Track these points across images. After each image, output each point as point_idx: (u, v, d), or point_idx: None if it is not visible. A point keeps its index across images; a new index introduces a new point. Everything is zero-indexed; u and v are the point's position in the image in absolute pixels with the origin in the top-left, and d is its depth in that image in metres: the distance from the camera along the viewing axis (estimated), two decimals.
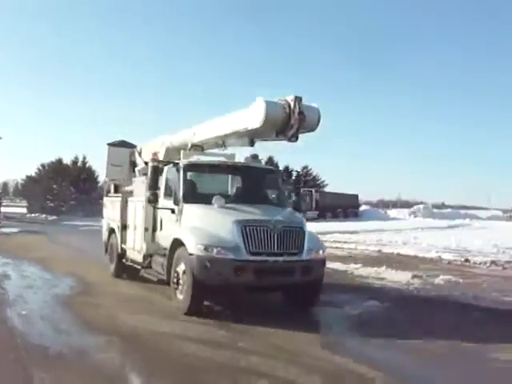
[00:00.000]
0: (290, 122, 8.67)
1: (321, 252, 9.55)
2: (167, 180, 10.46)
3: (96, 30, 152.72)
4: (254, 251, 8.72)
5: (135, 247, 11.54)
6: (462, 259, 18.71)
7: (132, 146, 14.46)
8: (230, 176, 11.17)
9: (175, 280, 9.30)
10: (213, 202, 9.46)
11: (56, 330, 7.80)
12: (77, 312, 8.96)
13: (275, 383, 5.78)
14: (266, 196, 10.64)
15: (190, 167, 10.15)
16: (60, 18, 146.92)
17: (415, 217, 63.58)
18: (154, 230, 11.00)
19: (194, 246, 8.80)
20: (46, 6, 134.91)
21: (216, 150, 11.25)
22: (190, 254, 8.81)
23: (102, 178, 59.13)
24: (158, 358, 6.45)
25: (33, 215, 51.18)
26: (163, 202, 10.31)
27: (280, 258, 8.87)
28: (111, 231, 13.40)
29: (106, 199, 14.39)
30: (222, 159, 11.06)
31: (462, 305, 10.59)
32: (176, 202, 9.86)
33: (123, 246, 12.48)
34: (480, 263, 17.80)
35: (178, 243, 9.35)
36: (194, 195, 9.94)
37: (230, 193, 10.86)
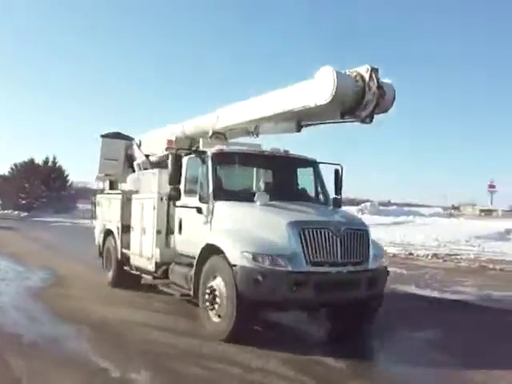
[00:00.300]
0: (364, 99, 6.07)
1: (383, 259, 7.00)
2: (188, 173, 7.63)
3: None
4: (314, 261, 6.10)
5: (143, 253, 8.62)
6: (407, 253, 18.40)
7: (128, 139, 11.45)
8: (255, 169, 8.40)
9: (208, 297, 6.53)
10: (255, 198, 6.74)
11: (29, 319, 7.31)
12: (49, 303, 8.33)
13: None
14: (306, 192, 7.94)
15: (221, 157, 7.32)
16: (17, 15, 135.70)
17: (363, 214, 61.85)
18: (169, 232, 8.16)
19: (237, 255, 6.07)
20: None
21: (240, 140, 8.52)
22: (233, 265, 6.09)
23: (71, 177, 55.76)
24: (126, 345, 6.11)
25: (6, 212, 47.09)
26: (183, 199, 7.48)
27: (344, 269, 6.28)
28: (107, 233, 10.36)
29: (99, 197, 11.26)
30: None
31: (405, 294, 10.33)
32: (204, 200, 7.08)
33: (125, 250, 9.50)
34: (423, 256, 17.64)
35: (210, 250, 6.60)
36: (226, 191, 7.18)
37: (254, 188, 8.11)
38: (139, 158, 10.66)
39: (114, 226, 9.91)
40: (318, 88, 6.09)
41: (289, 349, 6.04)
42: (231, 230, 6.53)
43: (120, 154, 11.19)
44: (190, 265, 7.17)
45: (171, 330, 6.83)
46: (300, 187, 7.97)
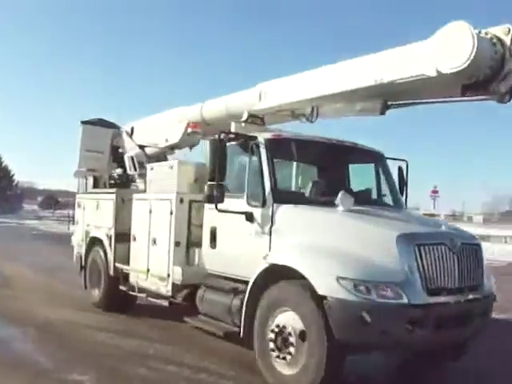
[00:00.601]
0: (503, 69, 4.19)
1: (493, 280, 5.18)
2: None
3: None
4: (432, 288, 4.17)
5: (153, 271, 6.31)
6: None
7: (113, 126, 9.04)
8: (294, 164, 6.29)
9: (273, 340, 4.45)
10: (337, 201, 4.69)
11: None
12: None
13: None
14: (370, 193, 5.92)
15: (278, 145, 5.18)
16: None
17: None
18: (190, 245, 5.98)
19: (330, 282, 4.04)
20: None
21: (277, 126, 6.44)
22: (323, 297, 4.04)
23: (17, 177, 51.30)
24: (73, 347, 5.73)
25: None
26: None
27: (461, 297, 4.38)
28: (93, 242, 7.92)
29: (80, 197, 8.75)
30: None
31: None
32: (255, 203, 4.99)
33: (120, 265, 7.14)
34: None
35: (275, 273, 4.52)
36: (286, 191, 5.14)
37: (294, 188, 6.05)
38: (131, 150, 8.34)
39: (104, 233, 7.54)
40: (447, 50, 4.12)
41: None
42: (311, 246, 4.43)
43: (105, 144, 8.81)
44: (234, 291, 5.06)
45: (117, 331, 6.40)
46: (364, 187, 5.97)
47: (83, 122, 8.79)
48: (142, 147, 8.25)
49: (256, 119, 6.05)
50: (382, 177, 5.88)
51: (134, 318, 7.06)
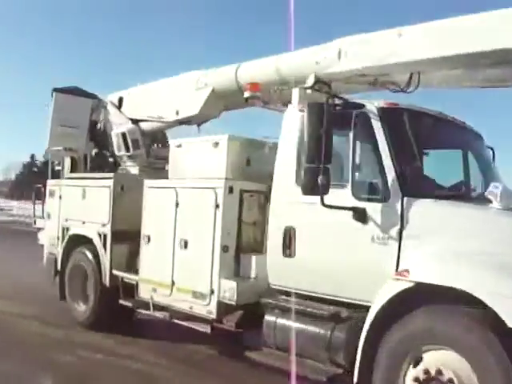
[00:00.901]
0: None
1: None
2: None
3: None
4: None
5: (182, 284, 4.54)
6: None
7: (91, 96, 7.05)
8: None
9: None
10: (491, 196, 3.32)
11: None
12: None
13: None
14: (468, 185, 4.58)
15: (397, 118, 3.74)
16: None
17: None
18: (242, 250, 4.38)
19: None
20: None
21: None
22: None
23: None
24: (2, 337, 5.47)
25: None
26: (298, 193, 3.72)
27: None
28: (75, 241, 6.01)
29: (54, 183, 6.62)
30: None
31: None
32: (370, 196, 3.55)
33: (120, 273, 5.36)
34: None
35: (416, 294, 3.09)
36: (420, 180, 3.70)
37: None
38: (122, 126, 6.48)
39: (94, 230, 5.66)
40: None
41: None
42: (483, 261, 3.01)
43: (84, 117, 6.83)
44: (334, 318, 3.57)
45: (43, 320, 6.16)
46: (465, 178, 4.61)
47: (56, 90, 6.72)
48: (135, 121, 6.43)
49: (323, 86, 4.49)
50: (486, 165, 4.59)
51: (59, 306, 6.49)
